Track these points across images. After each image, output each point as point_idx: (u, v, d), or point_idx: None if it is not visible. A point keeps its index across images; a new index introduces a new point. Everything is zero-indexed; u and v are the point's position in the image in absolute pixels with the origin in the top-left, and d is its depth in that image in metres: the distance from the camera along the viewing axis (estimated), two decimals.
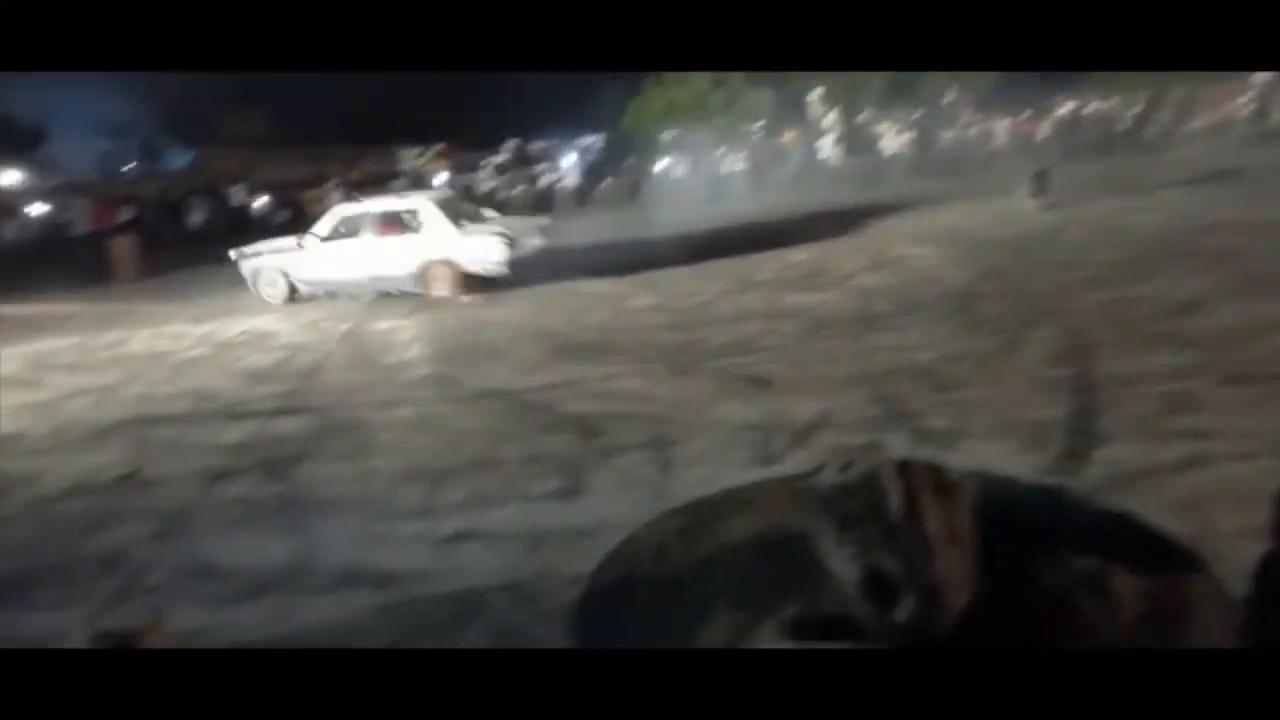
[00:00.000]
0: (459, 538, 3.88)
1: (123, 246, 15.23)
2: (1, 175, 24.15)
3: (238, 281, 11.45)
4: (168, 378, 7.71)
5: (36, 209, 22.30)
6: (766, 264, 10.14)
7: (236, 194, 21.02)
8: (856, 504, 0.95)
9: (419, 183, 21.28)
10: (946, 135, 20.58)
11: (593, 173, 22.23)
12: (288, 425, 5.89)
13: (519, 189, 20.70)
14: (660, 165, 21.09)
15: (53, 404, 7.14)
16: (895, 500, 0.92)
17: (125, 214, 17.47)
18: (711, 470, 4.21)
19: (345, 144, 27.84)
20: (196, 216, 19.81)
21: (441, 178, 23.25)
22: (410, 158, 26.46)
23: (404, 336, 8.58)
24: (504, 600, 3.34)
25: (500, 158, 23.14)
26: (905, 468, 0.97)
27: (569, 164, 23.44)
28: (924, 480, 0.96)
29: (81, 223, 19.28)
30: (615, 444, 4.81)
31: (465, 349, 7.69)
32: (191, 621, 3.18)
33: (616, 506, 3.96)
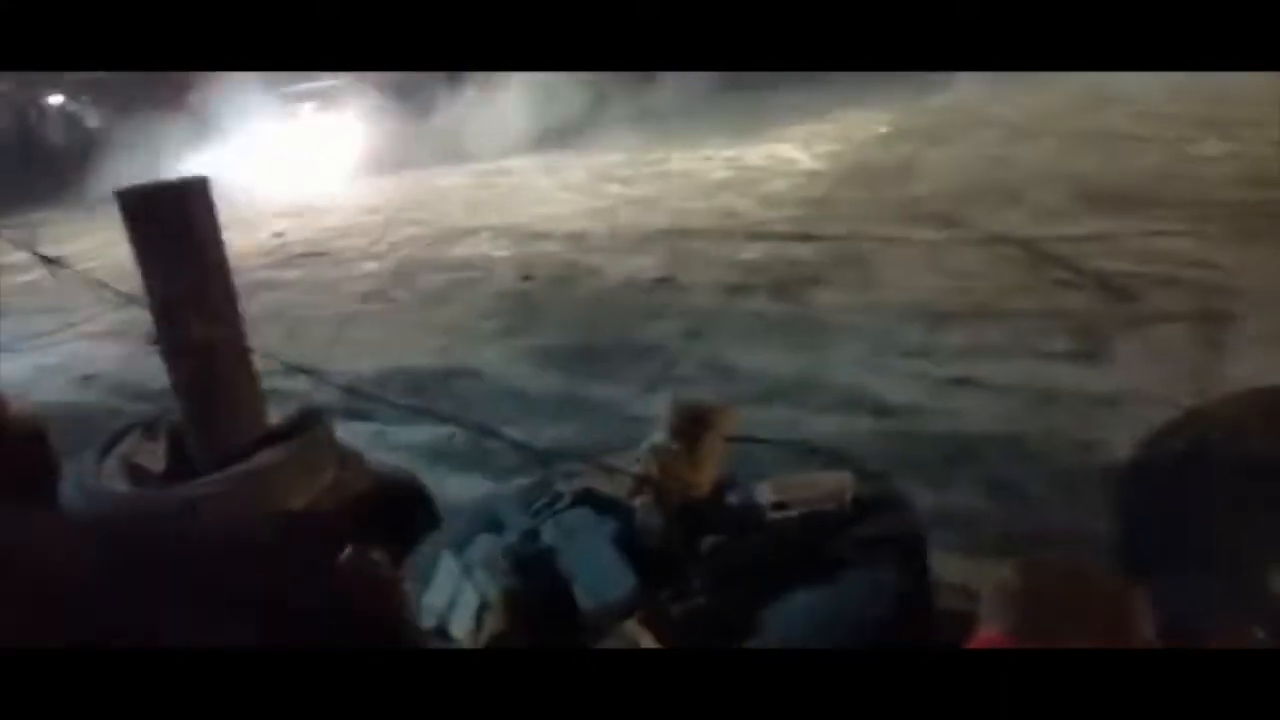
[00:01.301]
0: (959, 382, 3.84)
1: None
2: None
3: (762, 110, 12.00)
4: (698, 195, 8.52)
5: None
6: None
7: None
8: None
9: None
10: None
11: None
12: (800, 250, 6.21)
13: None
14: None
15: (609, 210, 8.36)
16: None
17: None
18: (1275, 356, 3.56)
19: None
20: None
21: None
22: None
23: (914, 170, 8.37)
24: (1000, 452, 3.28)
25: None
26: None
27: None
28: None
29: None
30: (1151, 311, 4.28)
31: (981, 188, 7.27)
32: None
33: (1144, 379, 3.57)
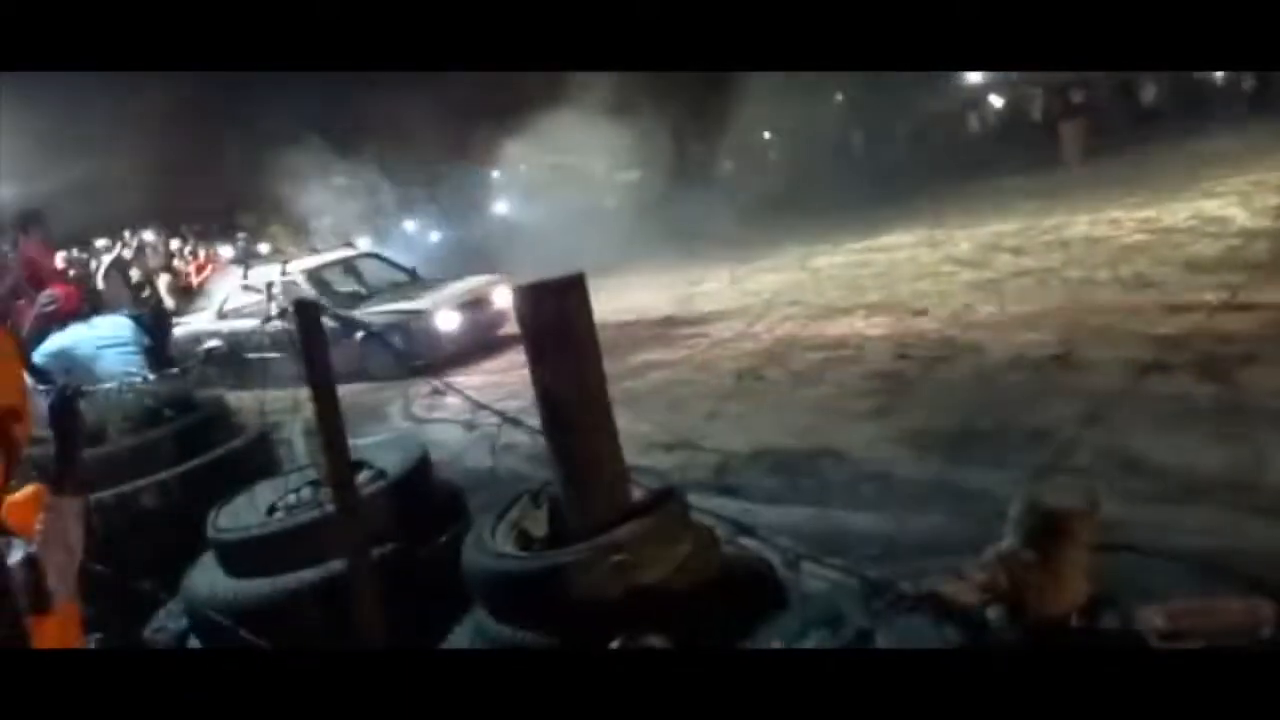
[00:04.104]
0: None
1: (1072, 130, 15.50)
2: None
3: (1190, 165, 10.57)
4: (1104, 263, 7.66)
5: (997, 100, 24.29)
6: None
7: None
8: None
9: None
10: None
11: None
12: (1232, 322, 5.28)
13: None
14: None
15: (998, 283, 7.82)
16: None
17: (1076, 96, 17.66)
18: None
19: None
20: (1149, 93, 18.86)
21: None
22: None
23: None
24: None
25: None
26: None
27: None
28: None
29: (1036, 111, 20.29)
30: None
31: None
32: (1113, 514, 3.18)
33: None
